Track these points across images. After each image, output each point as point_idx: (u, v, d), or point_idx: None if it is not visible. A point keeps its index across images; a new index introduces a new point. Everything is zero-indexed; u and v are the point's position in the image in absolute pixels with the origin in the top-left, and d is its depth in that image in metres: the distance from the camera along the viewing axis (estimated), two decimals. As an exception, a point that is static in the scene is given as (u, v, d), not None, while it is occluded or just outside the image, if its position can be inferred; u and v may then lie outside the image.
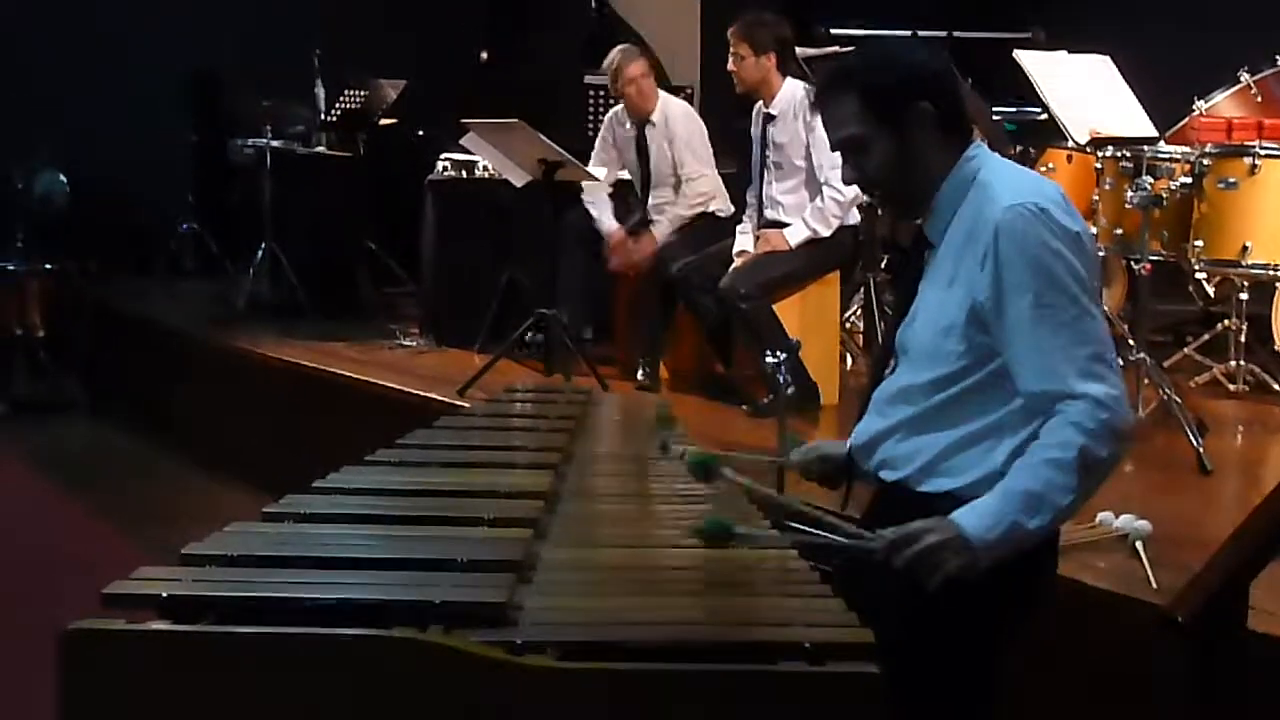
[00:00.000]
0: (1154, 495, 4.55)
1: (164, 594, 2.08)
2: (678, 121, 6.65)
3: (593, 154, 6.93)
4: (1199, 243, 5.80)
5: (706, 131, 6.72)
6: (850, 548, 2.46)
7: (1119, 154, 5.86)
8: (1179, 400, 5.15)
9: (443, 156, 7.77)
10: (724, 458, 2.73)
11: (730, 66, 6.03)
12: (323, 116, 9.18)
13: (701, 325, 6.32)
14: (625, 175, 6.95)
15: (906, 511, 2.53)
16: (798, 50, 6.24)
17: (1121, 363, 5.25)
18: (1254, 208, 5.73)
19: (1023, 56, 6.08)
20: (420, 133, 9.31)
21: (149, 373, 8.45)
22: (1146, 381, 5.32)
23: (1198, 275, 6.55)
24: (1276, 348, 6.38)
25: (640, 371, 6.42)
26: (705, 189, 6.61)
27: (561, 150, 6.33)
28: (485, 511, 2.59)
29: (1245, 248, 5.71)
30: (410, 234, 8.12)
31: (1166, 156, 5.84)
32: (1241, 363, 6.26)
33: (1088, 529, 3.92)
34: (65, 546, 5.80)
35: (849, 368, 6.59)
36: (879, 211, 6.18)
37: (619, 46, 6.75)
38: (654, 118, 6.66)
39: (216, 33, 9.49)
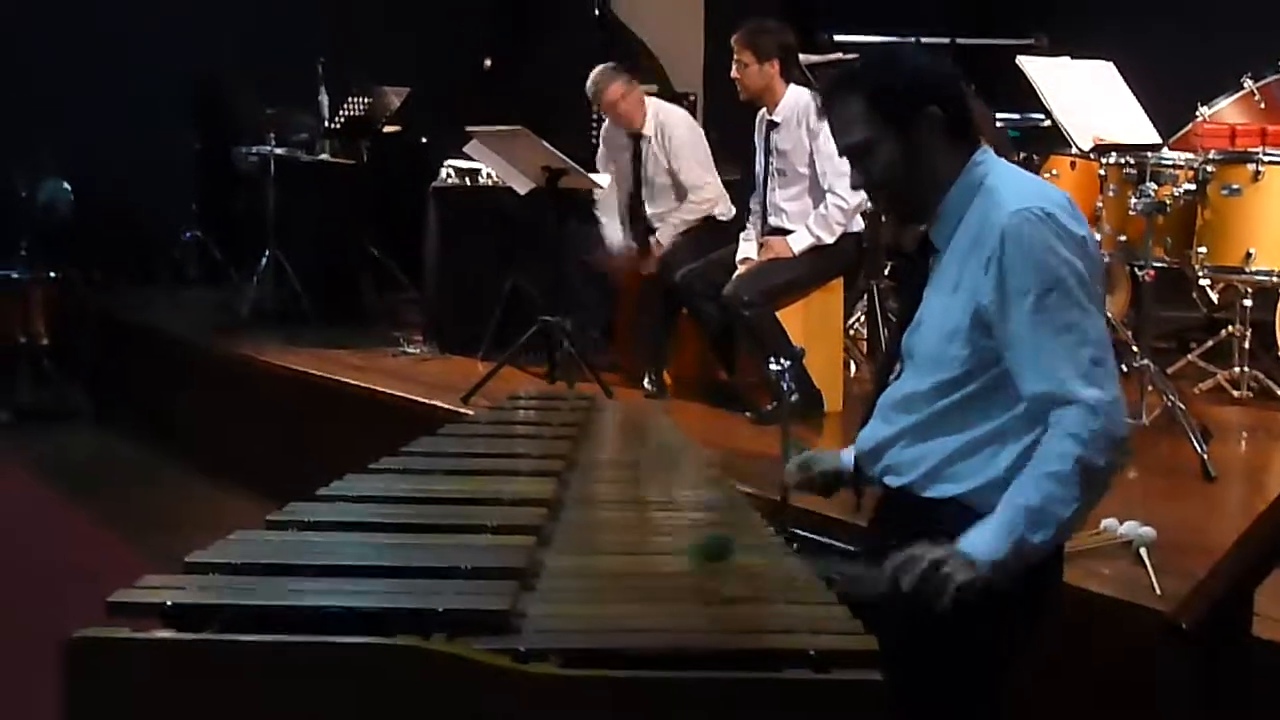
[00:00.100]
0: (1158, 502, 4.55)
1: (168, 602, 2.08)
2: (677, 129, 6.65)
3: (597, 161, 6.95)
4: (1202, 249, 5.80)
5: (705, 138, 6.73)
6: (857, 580, 2.45)
7: (1122, 160, 5.86)
8: (1183, 407, 5.14)
9: (446, 163, 7.77)
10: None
11: (734, 74, 6.02)
12: (326, 124, 9.19)
13: (705, 332, 6.32)
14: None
15: (911, 517, 2.53)
16: (801, 57, 6.23)
17: (1125, 369, 5.31)
18: (1257, 214, 5.73)
19: (1026, 63, 6.08)
20: (424, 140, 9.33)
21: (153, 381, 8.46)
22: (1150, 388, 5.31)
23: (1201, 282, 6.53)
24: (1280, 354, 6.39)
25: (646, 379, 6.43)
26: (709, 195, 6.62)
27: (565, 157, 6.33)
28: (488, 519, 2.59)
29: (1249, 254, 5.71)
30: (414, 241, 8.12)
31: (1170, 163, 5.84)
32: (1245, 369, 6.26)
33: (1092, 535, 3.91)
34: (69, 554, 5.80)
35: (853, 375, 6.57)
36: (882, 218, 6.17)
37: (598, 67, 6.75)
38: (646, 131, 6.67)
39: (220, 40, 9.51)
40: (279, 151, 8.77)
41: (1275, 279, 5.78)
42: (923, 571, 2.40)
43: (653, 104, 6.77)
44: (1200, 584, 2.47)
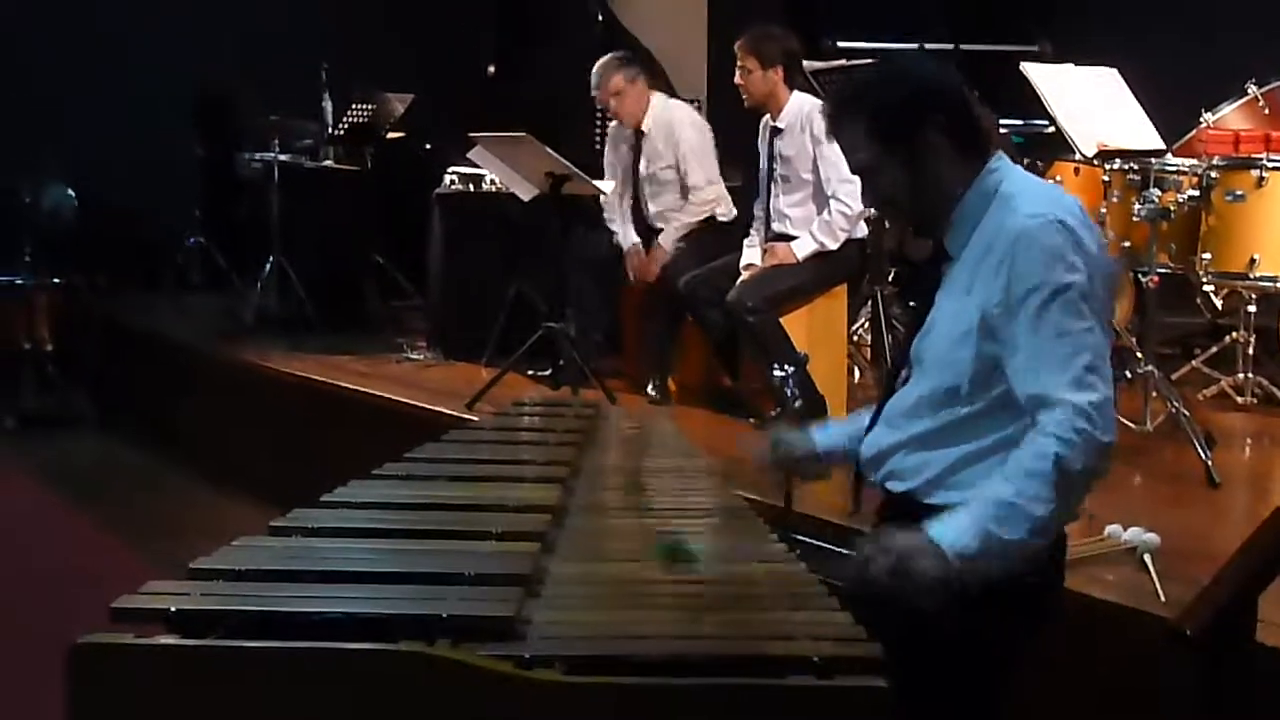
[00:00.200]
0: (1162, 508, 4.55)
1: (172, 608, 2.08)
2: (683, 128, 6.61)
3: (604, 163, 6.93)
4: (1206, 255, 5.80)
5: (711, 137, 6.70)
6: (841, 569, 2.45)
7: (1126, 167, 5.86)
8: (1187, 413, 5.14)
9: (450, 170, 7.78)
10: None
11: (737, 80, 6.02)
12: (330, 130, 9.18)
13: (709, 339, 6.32)
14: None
15: (912, 521, 2.53)
16: (805, 64, 6.24)
17: (1129, 375, 5.31)
18: (1261, 220, 5.73)
19: (1030, 69, 6.07)
20: (428, 146, 9.32)
21: (157, 387, 8.46)
22: (1154, 394, 5.31)
23: (1205, 288, 6.52)
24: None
25: (650, 386, 6.42)
26: (711, 196, 6.60)
27: (568, 164, 6.33)
28: (493, 525, 2.59)
29: (1253, 260, 5.71)
30: (418, 247, 8.13)
31: (1174, 169, 5.84)
32: (1249, 375, 6.26)
33: (1096, 542, 3.91)
34: (73, 560, 5.81)
35: (856, 381, 6.57)
36: (886, 224, 6.17)
37: (604, 57, 6.73)
38: (645, 126, 6.65)
39: (224, 48, 9.51)
40: (283, 158, 8.78)
41: (1279, 285, 5.78)
42: (892, 562, 2.38)
43: (658, 100, 6.72)
44: (1204, 590, 2.47)
